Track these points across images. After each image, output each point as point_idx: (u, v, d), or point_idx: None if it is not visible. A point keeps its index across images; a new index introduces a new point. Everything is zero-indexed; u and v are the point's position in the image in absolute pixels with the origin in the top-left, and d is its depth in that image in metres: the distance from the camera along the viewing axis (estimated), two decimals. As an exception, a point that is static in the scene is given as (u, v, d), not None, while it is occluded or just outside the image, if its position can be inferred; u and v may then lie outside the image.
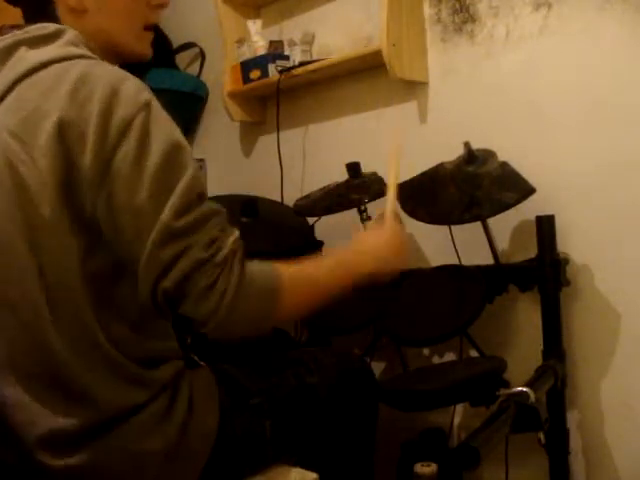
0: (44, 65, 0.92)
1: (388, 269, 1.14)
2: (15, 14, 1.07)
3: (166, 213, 0.86)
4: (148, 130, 0.88)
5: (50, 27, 0.97)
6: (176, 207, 0.86)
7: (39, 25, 0.98)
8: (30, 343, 0.91)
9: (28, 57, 0.94)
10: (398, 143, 1.36)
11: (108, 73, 0.91)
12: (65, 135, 0.87)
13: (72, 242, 0.89)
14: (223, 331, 0.91)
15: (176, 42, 2.51)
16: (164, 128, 0.90)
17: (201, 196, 0.91)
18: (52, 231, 0.88)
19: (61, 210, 0.88)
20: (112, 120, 0.87)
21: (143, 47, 1.09)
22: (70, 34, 0.97)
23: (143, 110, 0.88)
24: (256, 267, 0.93)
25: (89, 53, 0.97)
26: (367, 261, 1.10)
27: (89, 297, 0.90)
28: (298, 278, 0.99)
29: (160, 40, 2.48)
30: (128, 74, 0.93)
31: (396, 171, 1.31)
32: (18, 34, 0.97)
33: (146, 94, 0.91)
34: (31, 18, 1.02)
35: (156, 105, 0.91)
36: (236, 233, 0.93)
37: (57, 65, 0.92)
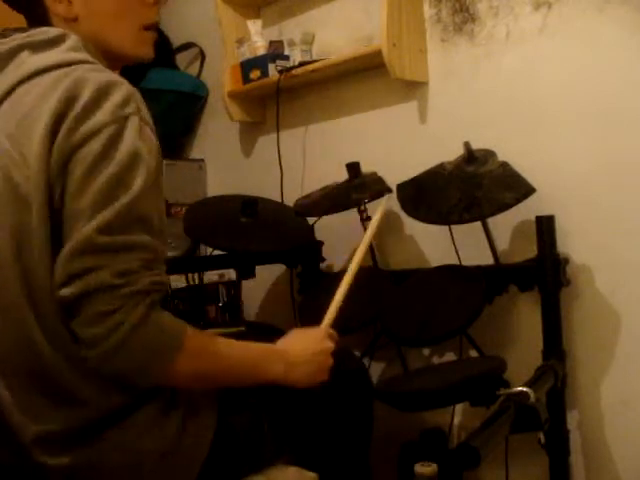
0: (45, 70, 0.92)
1: (303, 380, 1.08)
2: (19, 17, 1.07)
3: (93, 224, 0.84)
4: (115, 143, 0.87)
5: (52, 32, 0.98)
6: (105, 222, 0.84)
7: (41, 29, 0.98)
8: (19, 346, 0.91)
9: (30, 62, 0.95)
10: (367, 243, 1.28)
11: (102, 78, 0.91)
12: (55, 134, 0.87)
13: (51, 244, 0.88)
14: (106, 365, 0.86)
15: (176, 42, 2.51)
16: (132, 145, 0.88)
17: (143, 223, 0.88)
18: (36, 233, 0.88)
19: (45, 211, 0.88)
20: (86, 121, 0.87)
21: (143, 48, 1.09)
22: (72, 39, 0.98)
23: (118, 123, 0.88)
24: (166, 318, 0.89)
25: (90, 58, 0.97)
26: (283, 365, 1.04)
27: None
28: (205, 348, 0.94)
29: (160, 40, 2.48)
30: (124, 83, 0.93)
31: (349, 280, 1.23)
32: (19, 38, 0.97)
33: (131, 108, 0.90)
34: (34, 23, 1.02)
35: (135, 121, 0.90)
36: (162, 278, 0.89)
37: (58, 71, 0.92)
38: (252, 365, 1.02)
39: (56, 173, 0.87)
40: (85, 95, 0.88)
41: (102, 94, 0.89)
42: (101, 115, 0.88)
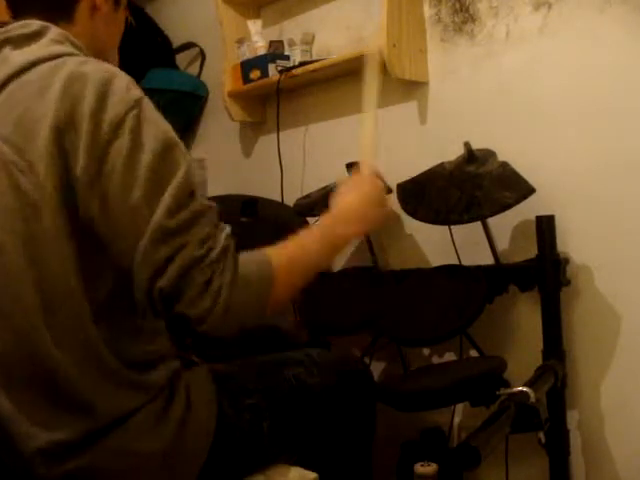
0: (31, 65, 0.91)
1: (371, 225, 1.15)
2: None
3: (159, 213, 0.85)
4: (140, 128, 0.87)
5: (33, 25, 0.95)
6: (169, 206, 0.85)
7: (21, 23, 0.96)
8: (26, 354, 0.90)
9: (13, 57, 0.93)
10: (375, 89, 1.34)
11: (97, 70, 0.90)
12: (61, 138, 0.86)
13: (70, 249, 0.88)
14: (220, 328, 0.89)
15: (176, 42, 2.51)
16: (156, 125, 0.89)
17: (193, 193, 0.89)
18: (52, 239, 0.88)
19: (61, 216, 0.87)
20: (104, 119, 0.86)
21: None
22: (53, 32, 0.96)
23: (134, 108, 0.88)
24: (248, 260, 0.92)
25: (75, 50, 0.96)
26: (350, 226, 1.10)
27: (86, 304, 0.89)
28: (289, 262, 0.98)
29: (160, 40, 2.48)
30: (117, 70, 0.92)
31: (374, 117, 1.29)
32: None
33: (136, 91, 0.91)
34: (22, 12, 0.99)
35: (147, 102, 0.91)
36: (227, 228, 0.92)
37: (45, 65, 0.90)
38: (330, 247, 1.07)
39: (90, 179, 0.86)
40: (88, 94, 0.87)
41: (104, 88, 0.88)
42: (113, 108, 0.87)
